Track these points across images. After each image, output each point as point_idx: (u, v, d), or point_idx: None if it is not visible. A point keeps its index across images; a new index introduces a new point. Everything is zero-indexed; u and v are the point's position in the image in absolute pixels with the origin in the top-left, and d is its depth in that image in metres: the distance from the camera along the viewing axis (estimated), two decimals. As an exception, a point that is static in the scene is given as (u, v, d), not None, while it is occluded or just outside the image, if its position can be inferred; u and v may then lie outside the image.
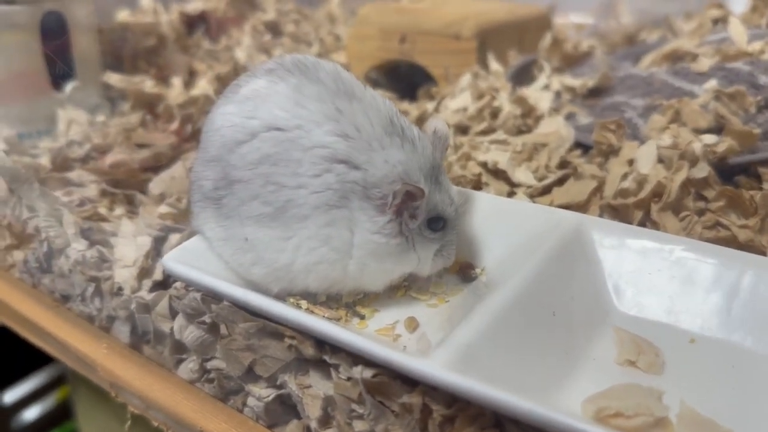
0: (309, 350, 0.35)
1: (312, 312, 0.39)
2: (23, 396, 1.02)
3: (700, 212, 0.45)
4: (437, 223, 0.40)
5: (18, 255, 0.53)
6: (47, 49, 0.66)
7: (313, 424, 0.36)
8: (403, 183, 0.37)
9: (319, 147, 0.37)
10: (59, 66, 0.67)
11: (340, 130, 0.37)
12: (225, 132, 0.39)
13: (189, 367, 0.42)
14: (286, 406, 0.38)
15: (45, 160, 0.59)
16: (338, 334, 0.33)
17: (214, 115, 0.41)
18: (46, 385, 1.04)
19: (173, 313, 0.42)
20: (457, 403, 0.32)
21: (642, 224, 0.45)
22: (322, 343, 0.35)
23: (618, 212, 0.47)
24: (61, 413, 1.04)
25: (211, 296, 0.38)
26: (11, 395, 1.01)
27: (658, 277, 0.39)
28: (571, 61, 0.77)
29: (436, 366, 0.30)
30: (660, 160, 0.48)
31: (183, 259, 0.40)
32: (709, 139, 0.48)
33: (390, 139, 0.38)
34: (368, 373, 0.33)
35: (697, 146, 0.47)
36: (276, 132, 0.37)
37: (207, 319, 0.39)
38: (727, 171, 0.49)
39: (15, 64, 0.66)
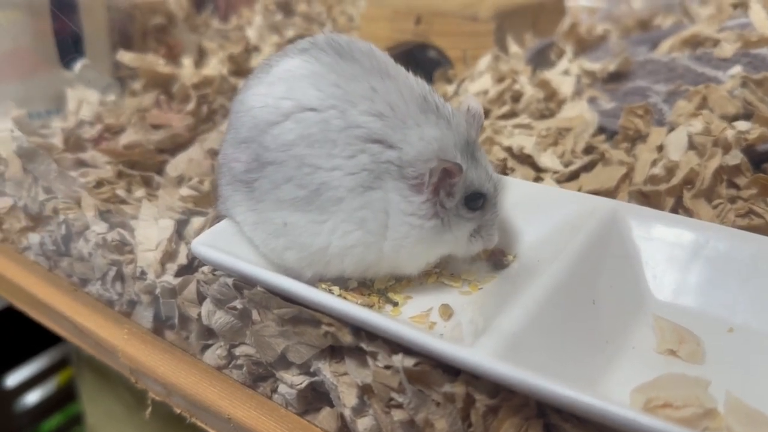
0: (347, 337, 0.34)
1: (345, 298, 0.38)
2: (26, 379, 1.01)
3: (732, 200, 0.45)
4: (476, 201, 0.38)
5: (33, 238, 0.52)
6: (57, 26, 0.64)
7: (348, 413, 0.35)
8: (440, 160, 0.36)
9: (353, 127, 0.36)
10: (68, 44, 0.66)
11: (374, 110, 0.36)
12: (257, 113, 0.38)
13: (216, 353, 0.41)
14: (317, 393, 0.37)
15: (57, 140, 0.57)
16: (384, 324, 0.32)
17: (244, 95, 0.40)
18: (48, 368, 1.03)
19: (200, 298, 0.41)
20: (501, 392, 0.31)
21: (674, 211, 0.44)
22: (358, 330, 0.35)
23: (648, 199, 0.46)
24: (64, 396, 1.03)
25: (244, 282, 0.37)
26: (14, 378, 1.00)
27: (695, 265, 0.39)
28: (585, 46, 0.76)
29: (485, 356, 0.29)
30: (691, 147, 0.48)
31: (213, 243, 0.39)
32: (743, 126, 0.47)
33: (425, 117, 0.37)
34: (409, 362, 0.32)
35: (730, 133, 0.46)
36: (310, 113, 0.37)
37: (238, 304, 0.38)
38: (754, 158, 0.48)
39: (12, 42, 0.64)
